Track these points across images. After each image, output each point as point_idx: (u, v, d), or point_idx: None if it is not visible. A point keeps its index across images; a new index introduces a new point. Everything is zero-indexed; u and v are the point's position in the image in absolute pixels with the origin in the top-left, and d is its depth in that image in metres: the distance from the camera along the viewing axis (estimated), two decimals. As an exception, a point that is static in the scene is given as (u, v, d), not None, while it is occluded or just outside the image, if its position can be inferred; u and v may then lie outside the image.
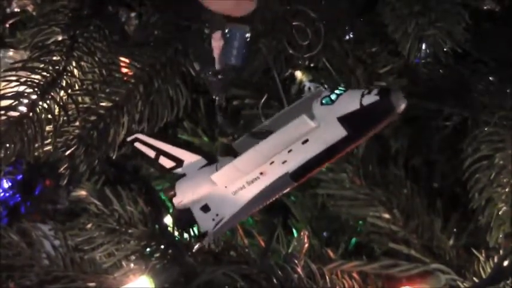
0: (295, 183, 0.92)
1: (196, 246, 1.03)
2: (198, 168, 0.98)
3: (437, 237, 1.07)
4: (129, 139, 1.01)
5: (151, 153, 1.00)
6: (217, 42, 0.98)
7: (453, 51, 1.02)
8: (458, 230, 1.09)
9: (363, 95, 0.88)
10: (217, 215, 0.96)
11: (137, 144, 1.01)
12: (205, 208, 0.97)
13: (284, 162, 0.92)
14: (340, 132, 0.89)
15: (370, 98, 0.87)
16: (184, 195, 0.98)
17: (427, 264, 1.00)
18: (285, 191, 0.94)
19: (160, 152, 0.99)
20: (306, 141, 0.91)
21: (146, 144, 1.00)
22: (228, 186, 0.95)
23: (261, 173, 0.93)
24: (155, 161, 1.00)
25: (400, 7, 1.01)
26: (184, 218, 0.98)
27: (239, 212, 0.95)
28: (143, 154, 1.01)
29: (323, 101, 0.90)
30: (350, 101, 0.88)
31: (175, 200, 0.98)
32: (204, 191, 0.96)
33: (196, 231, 1.06)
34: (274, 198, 0.94)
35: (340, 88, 0.90)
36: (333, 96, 0.89)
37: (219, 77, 1.00)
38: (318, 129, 0.90)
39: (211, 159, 0.98)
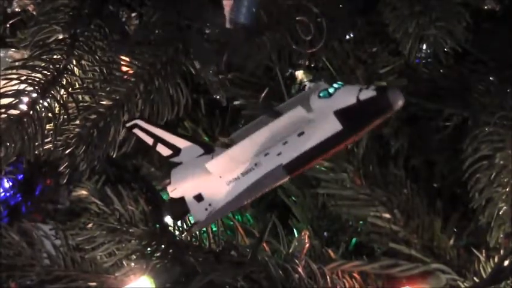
0: (288, 176, 0.91)
1: (184, 234, 1.03)
2: (195, 157, 0.98)
3: (437, 237, 1.07)
4: (128, 125, 0.99)
5: (150, 140, 0.99)
6: (228, 1, 0.96)
7: (454, 51, 1.02)
8: (458, 230, 1.09)
9: (360, 90, 0.88)
10: (210, 204, 0.95)
11: (136, 131, 0.99)
12: (199, 197, 0.96)
13: (279, 154, 0.91)
14: (335, 126, 0.88)
15: (367, 93, 0.87)
16: (178, 184, 0.96)
17: (427, 264, 0.99)
18: (278, 184, 0.93)
19: (158, 140, 0.98)
20: (301, 133, 0.90)
21: (145, 131, 0.99)
22: (223, 176, 0.94)
23: (256, 164, 0.92)
24: (153, 148, 0.99)
25: (400, 7, 1.01)
26: (178, 206, 0.98)
27: (230, 203, 0.94)
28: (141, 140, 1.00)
29: (320, 94, 0.89)
30: (347, 95, 0.88)
31: (169, 188, 0.97)
32: (198, 180, 0.96)
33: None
34: (267, 190, 0.93)
35: (338, 82, 0.90)
36: (331, 90, 0.89)
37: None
38: (314, 122, 0.89)
39: (208, 149, 0.98)
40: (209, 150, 0.97)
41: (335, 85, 0.89)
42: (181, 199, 0.97)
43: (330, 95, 0.89)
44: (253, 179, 0.92)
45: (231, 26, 0.96)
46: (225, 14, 0.96)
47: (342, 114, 0.88)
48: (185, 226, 1.09)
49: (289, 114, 0.89)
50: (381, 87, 0.87)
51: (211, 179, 0.95)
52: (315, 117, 0.89)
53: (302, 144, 0.90)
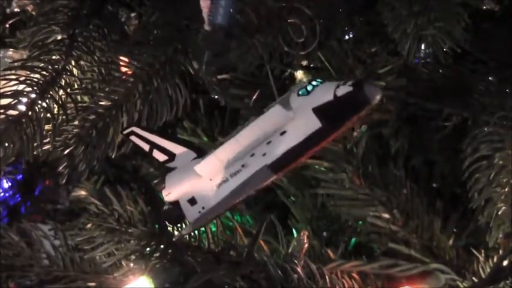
0: (274, 175, 0.92)
1: (176, 236, 1.04)
2: (188, 161, 0.98)
3: (437, 237, 1.06)
4: (124, 132, 1.01)
5: (146, 147, 1.00)
6: (205, 2, 0.97)
7: (453, 51, 1.01)
8: (458, 230, 1.08)
9: (337, 86, 0.88)
10: (203, 207, 0.96)
11: (132, 138, 1.01)
12: (192, 201, 0.97)
13: (264, 154, 0.91)
14: (314, 123, 0.88)
15: (344, 89, 0.87)
16: (173, 188, 0.98)
17: (426, 264, 0.99)
18: (265, 183, 0.93)
19: (154, 146, 1.00)
20: (283, 132, 0.90)
21: (141, 138, 1.00)
22: (213, 179, 0.95)
23: (243, 166, 0.93)
24: (149, 154, 1.00)
25: (399, 7, 1.01)
26: (173, 212, 0.99)
27: (219, 205, 0.95)
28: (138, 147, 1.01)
29: (300, 92, 0.90)
30: (324, 92, 0.88)
31: (164, 193, 0.99)
32: (190, 183, 0.97)
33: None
34: (255, 191, 0.94)
35: (317, 80, 0.90)
36: (309, 87, 0.89)
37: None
38: (295, 121, 0.90)
39: (201, 153, 0.98)
40: (202, 154, 0.98)
41: (314, 82, 0.90)
42: (177, 204, 0.98)
43: (309, 92, 0.89)
44: (241, 180, 0.93)
45: (209, 28, 0.96)
46: (203, 15, 0.96)
47: (320, 111, 0.88)
48: (184, 226, 1.09)
49: (268, 113, 0.90)
50: (357, 82, 0.88)
51: (203, 182, 0.96)
52: (295, 115, 0.89)
53: (284, 143, 0.90)
